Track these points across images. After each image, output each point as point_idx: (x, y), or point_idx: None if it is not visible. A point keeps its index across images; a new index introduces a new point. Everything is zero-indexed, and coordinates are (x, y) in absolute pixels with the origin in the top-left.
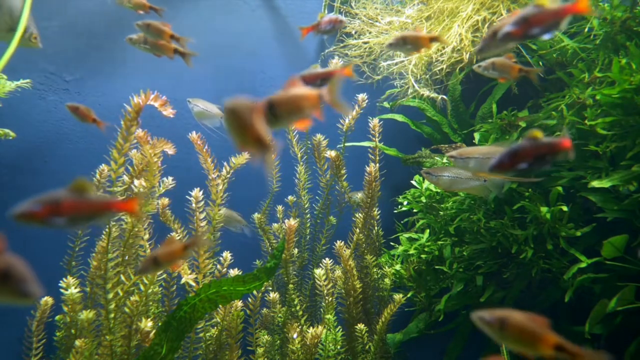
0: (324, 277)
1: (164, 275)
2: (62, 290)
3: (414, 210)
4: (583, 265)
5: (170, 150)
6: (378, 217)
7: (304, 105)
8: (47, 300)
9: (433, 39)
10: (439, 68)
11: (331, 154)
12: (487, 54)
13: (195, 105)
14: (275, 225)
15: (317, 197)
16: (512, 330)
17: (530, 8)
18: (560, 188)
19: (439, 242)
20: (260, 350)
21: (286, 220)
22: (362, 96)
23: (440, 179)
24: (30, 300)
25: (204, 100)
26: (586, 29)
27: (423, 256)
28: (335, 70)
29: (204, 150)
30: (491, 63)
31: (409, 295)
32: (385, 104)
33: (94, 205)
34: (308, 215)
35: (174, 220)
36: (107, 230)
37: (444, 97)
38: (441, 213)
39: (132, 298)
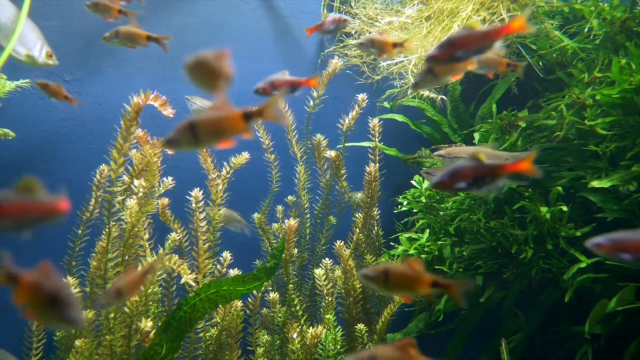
0: (323, 277)
1: (164, 275)
2: None
3: (414, 210)
4: (583, 265)
5: (169, 150)
6: (378, 217)
7: (226, 127)
8: None
9: (396, 45)
10: None
11: (331, 154)
12: (425, 87)
13: (193, 103)
14: (275, 225)
15: (317, 197)
16: (395, 280)
17: (460, 30)
18: (560, 188)
19: (439, 242)
20: (260, 350)
21: (286, 220)
22: (362, 96)
23: None
24: (74, 327)
25: (202, 97)
26: (586, 29)
27: (423, 256)
28: (301, 79)
29: (204, 150)
30: (481, 60)
31: None
32: (385, 104)
33: (33, 207)
34: (308, 215)
35: (174, 220)
36: (107, 230)
37: (444, 97)
38: (441, 213)
39: (131, 298)
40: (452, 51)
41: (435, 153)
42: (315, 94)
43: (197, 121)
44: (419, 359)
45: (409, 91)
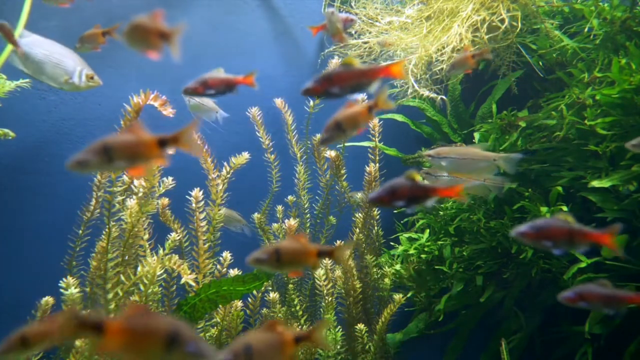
0: (323, 277)
1: (164, 275)
2: (62, 290)
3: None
4: (583, 265)
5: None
6: (378, 217)
7: (140, 152)
8: (48, 300)
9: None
10: (438, 68)
11: (331, 153)
12: (332, 142)
13: (190, 99)
14: (275, 225)
15: (317, 197)
16: (286, 257)
17: (338, 67)
18: (560, 188)
19: (439, 242)
20: None
21: (286, 220)
22: (362, 96)
23: (439, 179)
24: None
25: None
26: (586, 29)
27: (423, 256)
28: (238, 78)
29: (204, 150)
30: (452, 64)
31: (408, 295)
32: None
33: None
34: (308, 215)
35: (174, 220)
36: (107, 230)
37: (444, 97)
38: (441, 213)
39: (131, 298)
40: (327, 86)
41: (425, 153)
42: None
43: (111, 143)
44: (286, 334)
45: (409, 91)
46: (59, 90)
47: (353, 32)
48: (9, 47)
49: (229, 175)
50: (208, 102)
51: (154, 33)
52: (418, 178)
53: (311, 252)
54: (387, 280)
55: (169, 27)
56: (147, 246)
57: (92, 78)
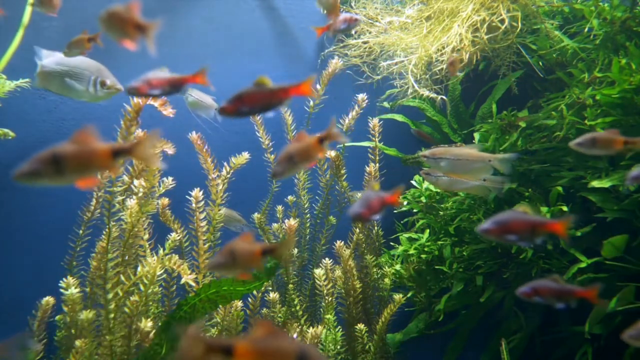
0: (323, 277)
1: (164, 275)
2: (62, 290)
3: (414, 210)
4: (583, 265)
5: (170, 150)
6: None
7: (92, 163)
8: (49, 300)
9: None
10: (439, 68)
11: (331, 153)
12: (285, 176)
13: (189, 95)
14: (275, 225)
15: (317, 197)
16: (240, 258)
17: (250, 87)
18: (560, 188)
19: (439, 242)
20: None
21: (286, 220)
22: (361, 96)
23: (439, 179)
24: None
25: (199, 90)
26: (586, 29)
27: (423, 256)
28: (186, 76)
29: (204, 150)
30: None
31: (408, 295)
32: (385, 104)
33: None
34: (308, 215)
35: (174, 220)
36: (107, 230)
37: (444, 97)
38: (441, 213)
39: (132, 298)
40: (239, 105)
41: (421, 154)
42: (315, 94)
43: (61, 152)
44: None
45: (409, 91)
46: None
47: (353, 32)
48: (12, 48)
49: (229, 175)
50: (206, 99)
51: (130, 24)
52: (376, 187)
53: (258, 252)
54: (387, 280)
55: (145, 20)
56: (147, 246)
57: (104, 84)
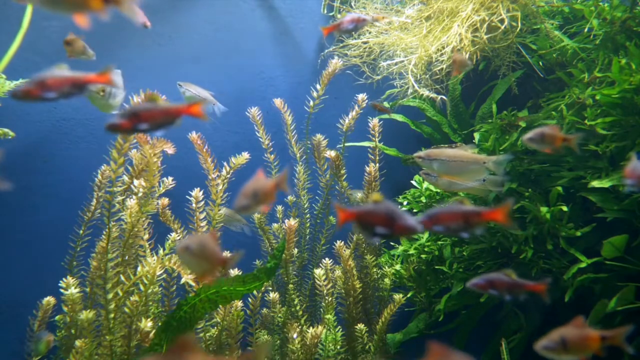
0: (323, 277)
1: (164, 275)
2: (62, 290)
3: (414, 210)
4: (583, 265)
5: (170, 150)
6: None
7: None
8: (49, 300)
9: None
10: (439, 68)
11: (331, 153)
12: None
13: (186, 90)
14: (275, 225)
15: (317, 197)
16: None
17: (145, 103)
18: (560, 188)
19: (439, 242)
20: None
21: (286, 220)
22: (362, 96)
23: (439, 180)
24: None
25: (196, 85)
26: (586, 29)
27: (423, 256)
28: (88, 76)
29: (204, 150)
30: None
31: (408, 295)
32: (385, 104)
33: None
34: (308, 215)
35: (174, 220)
36: (107, 230)
37: (444, 97)
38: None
39: (131, 298)
40: (135, 122)
41: (415, 155)
42: (315, 94)
43: None
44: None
45: (409, 91)
46: None
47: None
48: (13, 48)
49: (228, 175)
50: (204, 93)
51: None
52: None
53: (221, 261)
54: (387, 280)
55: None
56: (147, 246)
57: (103, 92)
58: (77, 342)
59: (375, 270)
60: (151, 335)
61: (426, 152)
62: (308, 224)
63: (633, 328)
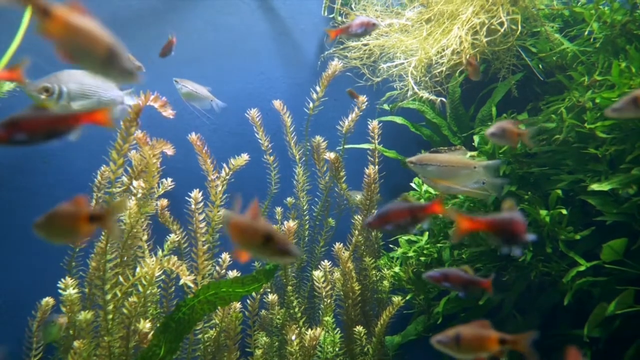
0: (322, 279)
1: (163, 277)
2: (60, 291)
3: None
4: (582, 268)
5: (169, 151)
6: None
7: None
8: (48, 301)
9: None
10: (438, 70)
11: (330, 155)
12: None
13: (183, 86)
14: (274, 227)
15: (316, 199)
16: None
17: (28, 111)
18: (559, 191)
19: (438, 245)
20: (258, 352)
21: (285, 222)
22: (361, 98)
23: (438, 182)
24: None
25: (193, 81)
26: (586, 32)
27: (422, 258)
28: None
29: (204, 151)
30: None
31: (407, 298)
32: (385, 106)
33: None
34: (307, 217)
35: (173, 221)
36: (105, 231)
37: (443, 99)
38: (440, 215)
39: (130, 299)
40: (13, 132)
41: (407, 160)
42: (315, 96)
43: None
44: None
45: (408, 93)
46: None
47: None
48: (12, 48)
49: (228, 177)
50: (201, 90)
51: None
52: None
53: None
54: (385, 282)
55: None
56: (146, 247)
57: (47, 91)
58: (76, 343)
59: (374, 272)
60: (150, 336)
61: (418, 157)
62: (307, 226)
63: (539, 333)
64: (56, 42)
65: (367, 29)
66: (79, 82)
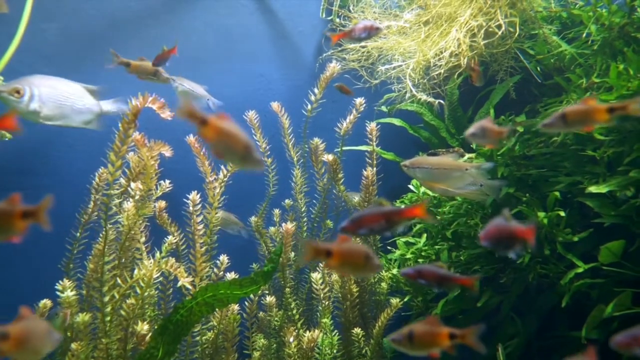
0: (320, 281)
1: (161, 278)
2: (58, 293)
3: None
4: (580, 270)
5: (167, 152)
6: None
7: None
8: (46, 303)
9: None
10: (437, 72)
11: (328, 157)
12: None
13: (179, 84)
14: (272, 228)
15: (314, 201)
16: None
17: None
18: (557, 193)
19: (436, 247)
20: (256, 354)
21: (283, 224)
22: (359, 100)
23: (435, 185)
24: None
25: (190, 80)
26: (584, 35)
27: (420, 260)
28: None
29: (202, 153)
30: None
31: (405, 300)
32: (383, 108)
33: None
34: (305, 219)
35: (171, 223)
36: (103, 232)
37: (441, 101)
38: (438, 217)
39: (128, 301)
40: None
41: (401, 164)
42: (313, 98)
43: None
44: None
45: (407, 95)
46: None
47: None
48: (11, 49)
49: (226, 179)
50: (198, 88)
51: None
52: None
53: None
54: (384, 284)
55: None
56: (144, 249)
57: (18, 93)
58: (73, 345)
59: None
60: (147, 338)
61: (410, 160)
62: (305, 228)
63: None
64: (210, 144)
65: (371, 33)
66: (51, 87)
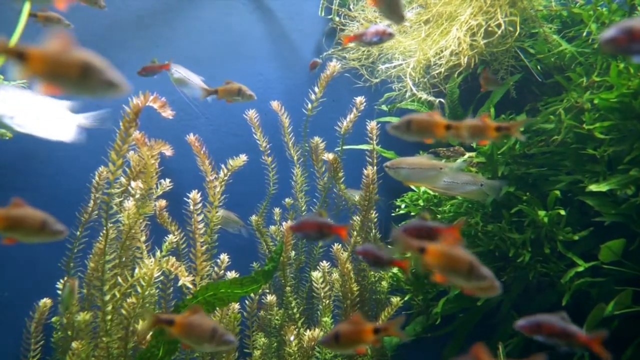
0: (321, 280)
1: (161, 277)
2: (59, 292)
3: (412, 213)
4: (580, 269)
5: (167, 151)
6: (375, 219)
7: None
8: (46, 302)
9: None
10: (437, 71)
11: (329, 156)
12: None
13: (175, 71)
14: (272, 227)
15: (314, 200)
16: None
17: None
18: (558, 192)
19: None
20: (257, 353)
21: (283, 223)
22: (360, 99)
23: (436, 184)
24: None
25: (186, 68)
26: (584, 33)
27: None
28: None
29: (202, 152)
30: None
31: (406, 299)
32: (384, 107)
33: None
34: None
35: (172, 222)
36: (104, 231)
37: (442, 100)
38: (439, 216)
39: (129, 300)
40: None
41: (384, 165)
42: (313, 97)
43: None
44: None
45: (407, 94)
46: None
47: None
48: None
49: (226, 178)
50: (193, 77)
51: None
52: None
53: None
54: (384, 283)
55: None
56: (145, 248)
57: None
58: (74, 344)
59: (372, 273)
60: (148, 337)
61: (391, 162)
62: None
63: (405, 319)
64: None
65: (383, 38)
66: (19, 98)
